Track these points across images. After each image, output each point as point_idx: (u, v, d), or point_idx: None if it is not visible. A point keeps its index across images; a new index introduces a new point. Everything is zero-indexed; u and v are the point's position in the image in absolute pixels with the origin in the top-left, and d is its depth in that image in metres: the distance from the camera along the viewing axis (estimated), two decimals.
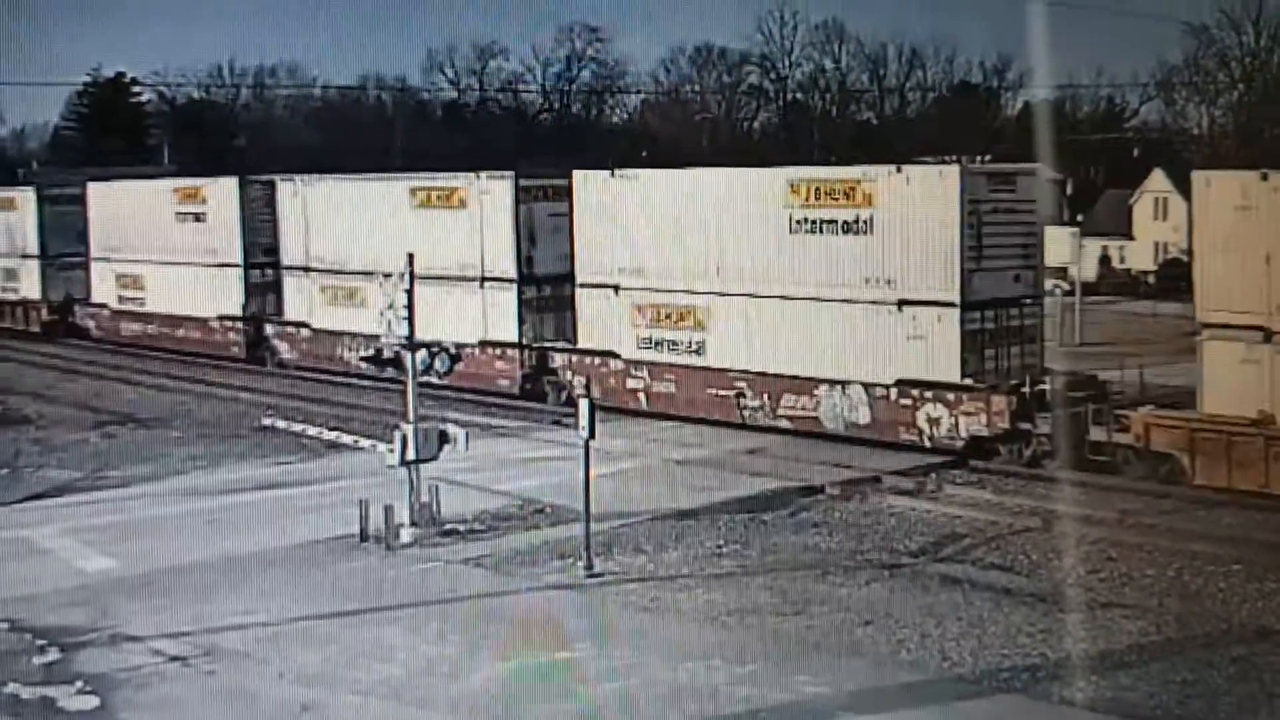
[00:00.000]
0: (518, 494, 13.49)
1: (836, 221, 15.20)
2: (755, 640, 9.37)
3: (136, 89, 61.67)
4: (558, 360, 18.36)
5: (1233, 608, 10.07)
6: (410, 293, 12.17)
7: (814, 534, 12.34)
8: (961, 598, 10.27)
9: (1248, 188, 13.33)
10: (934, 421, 14.43)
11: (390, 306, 12.31)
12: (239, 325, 23.62)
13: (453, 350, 12.50)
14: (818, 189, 15.39)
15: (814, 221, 15.40)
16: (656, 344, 17.06)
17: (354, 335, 20.24)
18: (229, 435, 17.83)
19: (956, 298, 14.38)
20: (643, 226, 17.16)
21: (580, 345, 17.98)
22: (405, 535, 11.88)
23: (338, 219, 21.56)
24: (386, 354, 12.79)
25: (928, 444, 14.75)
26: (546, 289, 18.86)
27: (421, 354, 12.27)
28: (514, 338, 18.93)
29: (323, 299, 21.90)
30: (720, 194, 16.63)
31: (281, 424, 14.75)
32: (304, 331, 22.43)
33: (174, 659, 9.11)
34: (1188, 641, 9.27)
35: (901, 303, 14.78)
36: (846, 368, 15.29)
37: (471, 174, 19.79)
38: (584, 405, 11.18)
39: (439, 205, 19.96)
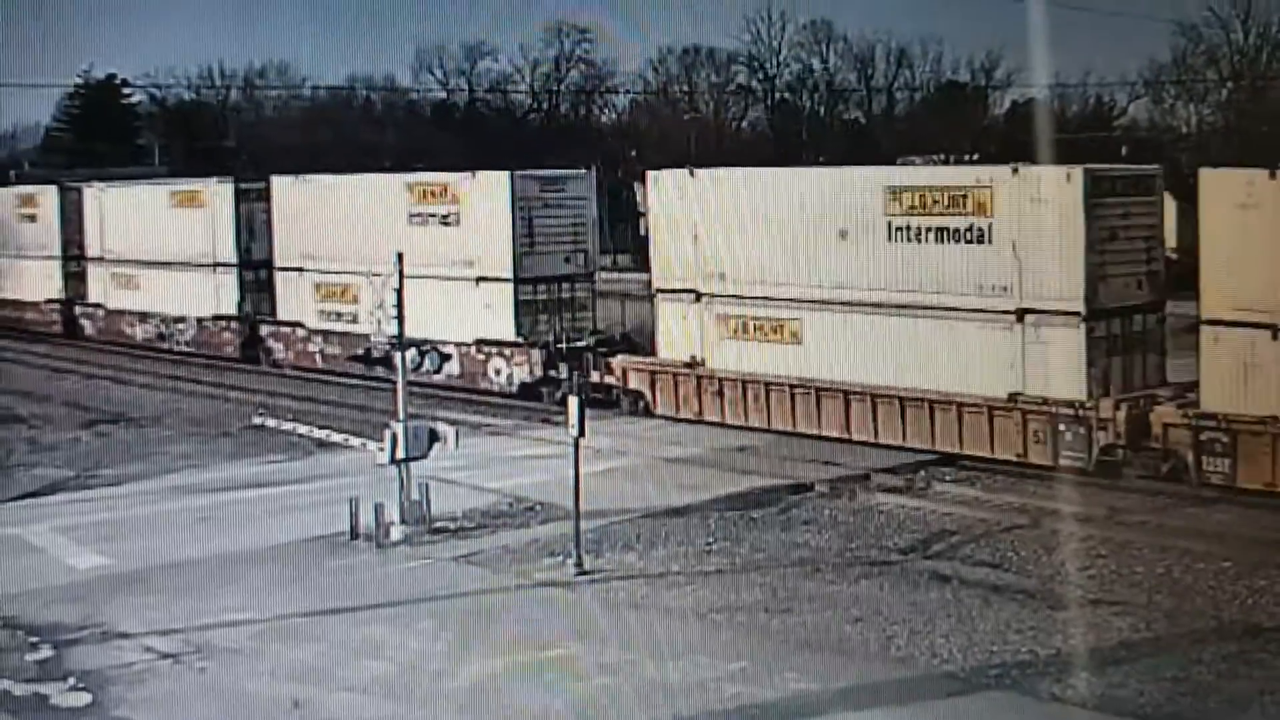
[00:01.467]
0: (508, 492, 13.45)
1: (437, 215, 19.66)
2: (744, 637, 9.34)
3: (127, 90, 61.35)
4: (265, 330, 23.04)
5: (1222, 605, 10.05)
6: (400, 292, 12.11)
7: (803, 531, 12.32)
8: (951, 594, 10.25)
9: (681, 182, 17.20)
10: (499, 371, 18.95)
11: (380, 305, 12.26)
12: (58, 307, 28.43)
13: (442, 350, 12.54)
14: (426, 191, 20.00)
15: (426, 215, 19.85)
16: (332, 315, 21.40)
17: (132, 313, 25.86)
18: (219, 434, 17.76)
19: (511, 274, 18.73)
20: (314, 221, 21.73)
21: (279, 318, 22.59)
22: (395, 533, 11.82)
23: (122, 218, 26.20)
24: (376, 353, 12.76)
25: (496, 389, 18.99)
26: (262, 273, 23.06)
27: (411, 353, 12.21)
28: (235, 312, 23.88)
29: (113, 284, 26.55)
30: (356, 194, 21.79)
31: (272, 422, 14.69)
32: (100, 311, 27.09)
33: (166, 656, 9.05)
34: (1177, 638, 9.26)
35: (479, 279, 19.09)
36: (447, 332, 18.56)
37: (209, 180, 24.73)
38: (573, 403, 11.14)
39: (186, 205, 24.70)
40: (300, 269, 21.80)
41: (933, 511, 13.02)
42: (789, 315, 15.67)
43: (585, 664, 8.79)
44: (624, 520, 12.32)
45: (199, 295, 24.02)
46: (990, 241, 13.99)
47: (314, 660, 8.97)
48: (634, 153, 48.16)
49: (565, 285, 18.83)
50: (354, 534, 11.82)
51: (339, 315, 21.10)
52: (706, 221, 16.48)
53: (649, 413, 17.05)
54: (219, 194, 23.90)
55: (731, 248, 16.16)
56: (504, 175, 18.91)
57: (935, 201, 14.46)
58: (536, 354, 18.27)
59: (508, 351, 18.63)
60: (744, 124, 63.19)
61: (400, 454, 11.82)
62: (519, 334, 18.55)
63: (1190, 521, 12.31)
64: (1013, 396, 13.85)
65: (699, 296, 16.57)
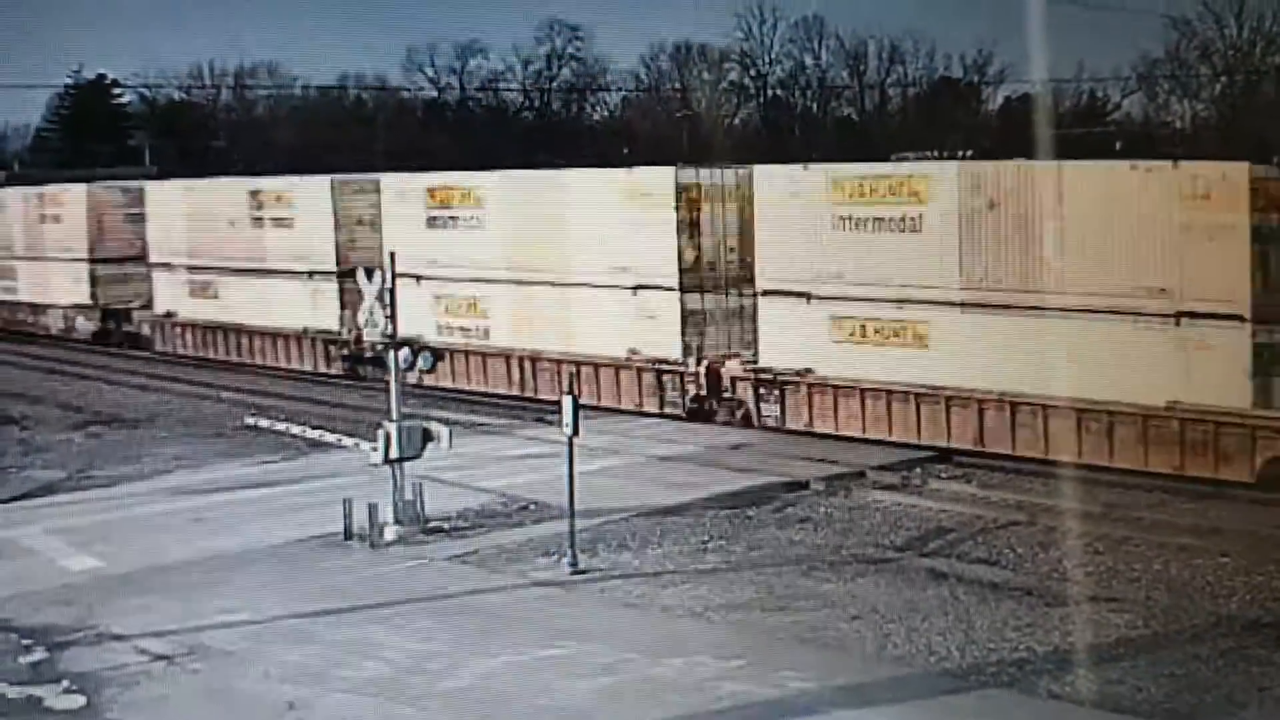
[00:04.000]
0: (502, 491, 13.42)
1: (50, 215, 28.09)
2: (740, 635, 9.33)
3: (117, 90, 61.16)
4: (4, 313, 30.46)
5: (1221, 600, 10.06)
6: (393, 291, 12.07)
7: (799, 529, 12.31)
8: (948, 592, 10.25)
9: (165, 190, 26.04)
10: (83, 325, 27.19)
11: (375, 303, 12.21)
12: None
13: (435, 348, 12.55)
14: (46, 199, 28.47)
15: (46, 215, 28.15)
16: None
17: None
18: (212, 435, 17.71)
19: (88, 256, 26.86)
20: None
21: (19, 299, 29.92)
22: (389, 533, 11.78)
23: None
24: (369, 352, 12.73)
25: (83, 337, 27.13)
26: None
27: (404, 352, 12.17)
28: None
29: None
30: (15, 201, 29.88)
31: (264, 423, 14.64)
32: None
33: (160, 657, 9.01)
34: (1176, 634, 9.26)
35: (72, 260, 27.24)
36: (60, 299, 27.80)
37: None
38: (567, 402, 11.11)
39: None
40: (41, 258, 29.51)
41: (929, 508, 13.03)
42: (219, 279, 23.66)
43: (582, 663, 8.77)
44: (619, 519, 12.30)
45: None
46: (296, 228, 21.98)
47: (309, 661, 8.93)
48: (626, 150, 48.12)
49: (130, 264, 26.15)
50: (348, 534, 11.78)
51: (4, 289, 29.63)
52: (176, 218, 24.56)
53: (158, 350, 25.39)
54: None
55: (188, 236, 24.18)
56: (84, 187, 27.77)
57: (271, 200, 22.60)
58: (98, 313, 26.93)
59: (87, 312, 27.07)
60: (736, 121, 63.22)
61: (394, 454, 11.78)
62: (92, 299, 26.88)
63: (1188, 517, 12.34)
64: (305, 330, 21.98)
65: (171, 267, 24.67)
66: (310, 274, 21.55)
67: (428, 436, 11.95)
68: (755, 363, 16.10)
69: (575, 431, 11.04)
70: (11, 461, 16.47)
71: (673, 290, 16.64)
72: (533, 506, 12.78)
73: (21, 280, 28.64)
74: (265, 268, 22.26)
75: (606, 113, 65.23)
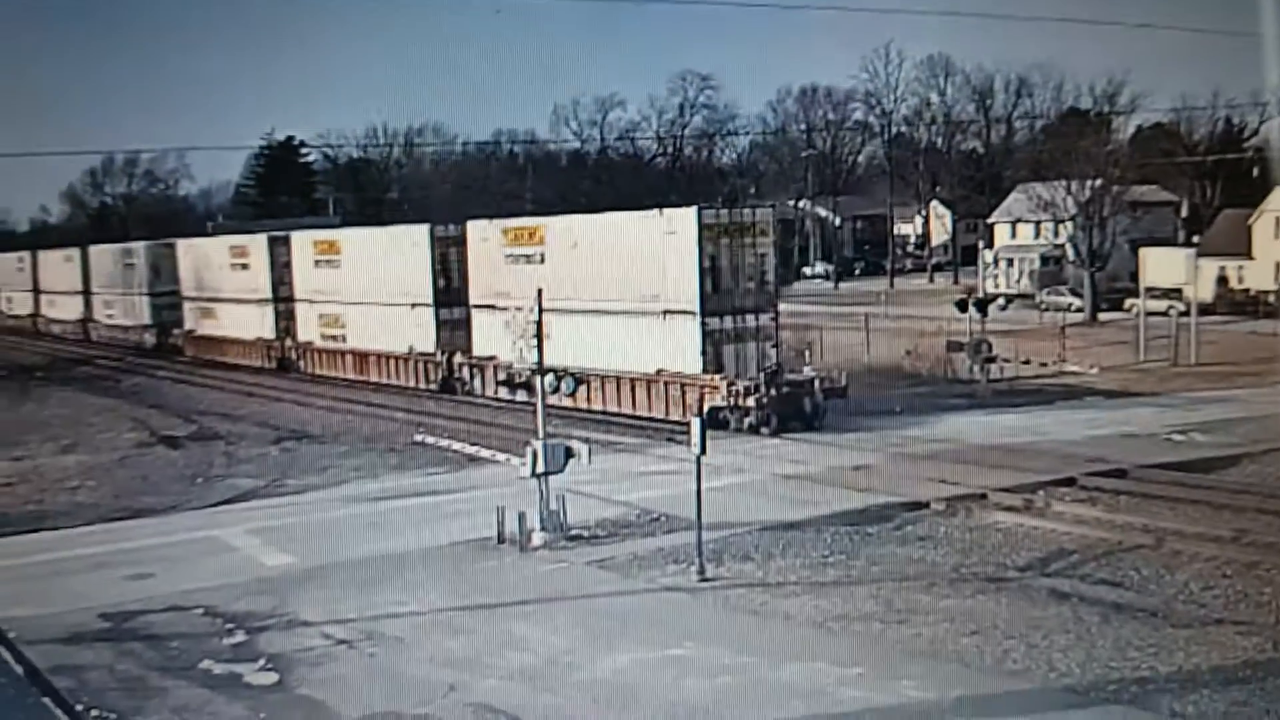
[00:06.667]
0: (636, 504, 13.74)
1: (130, 265, 37.88)
2: (860, 645, 9.27)
3: (304, 150, 65.79)
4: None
5: None
6: (539, 324, 12.67)
7: (919, 547, 12.09)
8: (1070, 611, 9.87)
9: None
10: (148, 338, 36.97)
11: (521, 336, 12.86)
12: None
13: (577, 374, 13.09)
14: (119, 252, 39.84)
15: (123, 264, 39.15)
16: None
17: None
18: (386, 449, 18.78)
19: (148, 291, 37.43)
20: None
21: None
22: (536, 539, 12.30)
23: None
24: (518, 379, 13.38)
25: (146, 347, 37.09)
26: None
27: (549, 377, 12.74)
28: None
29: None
30: None
31: (431, 439, 15.48)
32: None
33: (341, 642, 9.69)
34: None
35: (143, 294, 37.65)
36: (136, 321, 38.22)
37: None
38: (695, 424, 11.36)
39: None
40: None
41: (1051, 530, 12.57)
42: (216, 306, 33.23)
43: (707, 663, 8.92)
44: (743, 532, 12.40)
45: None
46: (251, 269, 31.42)
47: (466, 649, 9.43)
48: (753, 190, 48.23)
49: (175, 297, 35.56)
50: (500, 539, 12.35)
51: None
52: (195, 265, 34.30)
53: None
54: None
55: (200, 276, 33.96)
56: (144, 244, 37.54)
57: (238, 252, 32.16)
58: (155, 329, 36.58)
59: (150, 330, 36.99)
60: (859, 158, 62.32)
61: (540, 468, 12.30)
62: (152, 321, 36.72)
63: None
64: (258, 338, 30.84)
65: (194, 299, 34.55)
66: (260, 301, 30.69)
67: (569, 453, 12.43)
68: (470, 353, 23.63)
69: (703, 450, 11.27)
70: (218, 471, 17.97)
71: (430, 306, 24.98)
72: (663, 518, 13.04)
73: (116, 309, 39.87)
74: (239, 298, 31.67)
75: (735, 155, 65.59)
